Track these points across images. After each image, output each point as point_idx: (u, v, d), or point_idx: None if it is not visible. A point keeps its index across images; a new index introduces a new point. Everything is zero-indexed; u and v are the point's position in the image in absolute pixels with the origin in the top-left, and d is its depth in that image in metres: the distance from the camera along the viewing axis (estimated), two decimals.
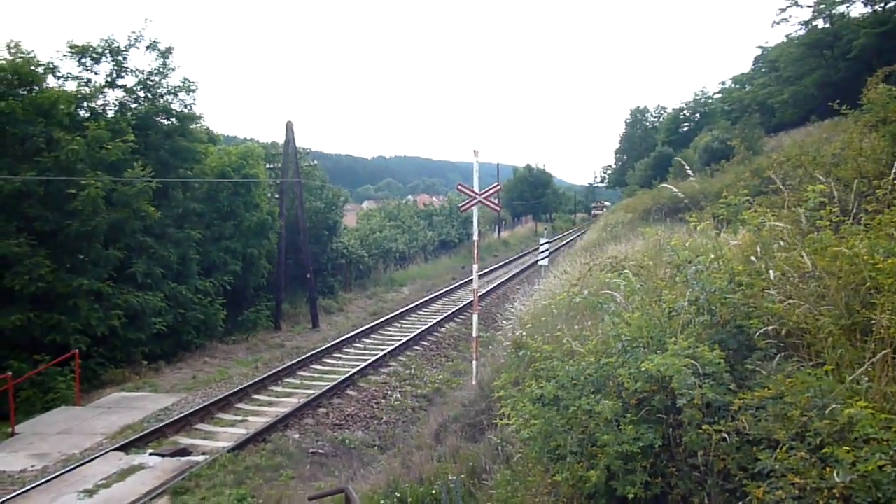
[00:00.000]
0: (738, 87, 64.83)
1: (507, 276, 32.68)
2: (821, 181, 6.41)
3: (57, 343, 15.50)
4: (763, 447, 3.53)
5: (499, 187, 19.25)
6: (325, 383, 14.94)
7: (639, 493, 3.92)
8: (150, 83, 20.46)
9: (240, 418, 13.10)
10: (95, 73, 19.64)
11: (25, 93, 16.97)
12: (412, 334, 19.79)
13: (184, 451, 11.24)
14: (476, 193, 13.38)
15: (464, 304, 24.52)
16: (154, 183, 18.11)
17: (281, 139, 25.01)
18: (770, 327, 4.37)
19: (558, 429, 4.54)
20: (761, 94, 53.43)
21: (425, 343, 19.50)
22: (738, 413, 3.77)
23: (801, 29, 49.89)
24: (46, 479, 10.04)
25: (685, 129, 62.52)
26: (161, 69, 20.57)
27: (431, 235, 44.06)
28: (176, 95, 20.94)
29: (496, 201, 15.75)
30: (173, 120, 21.09)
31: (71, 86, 18.97)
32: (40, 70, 17.54)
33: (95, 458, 10.89)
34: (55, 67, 18.50)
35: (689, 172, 9.39)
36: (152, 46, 20.27)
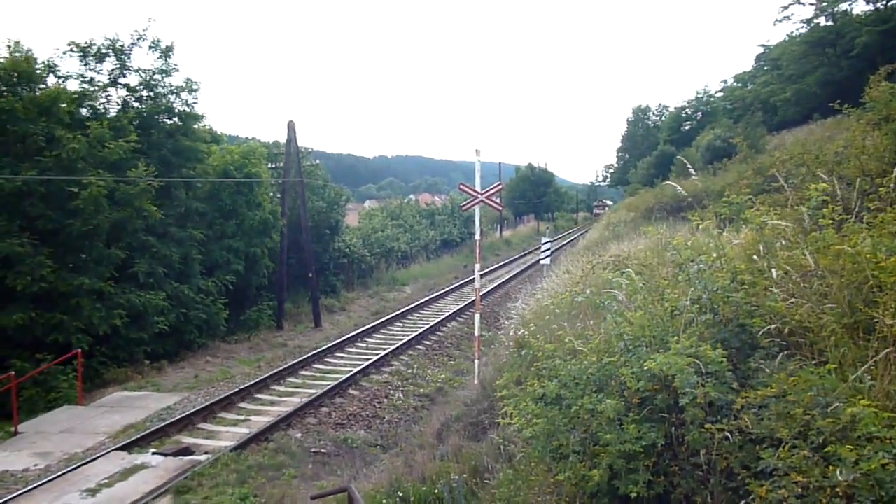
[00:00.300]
0: (740, 85, 64.72)
1: (510, 276, 32.68)
2: (823, 179, 6.41)
3: (59, 342, 15.52)
4: (766, 446, 3.53)
5: (501, 186, 19.25)
6: (328, 382, 14.94)
7: (641, 492, 3.92)
8: (153, 82, 20.50)
9: (242, 417, 13.11)
10: (98, 73, 19.72)
11: (27, 91, 16.98)
12: (414, 333, 19.79)
13: (186, 451, 11.25)
14: (478, 193, 13.38)
15: (466, 303, 24.52)
16: (157, 182, 18.12)
17: (283, 139, 25.05)
18: (773, 326, 4.37)
19: (561, 428, 4.54)
20: (763, 92, 53.34)
21: (427, 342, 19.49)
22: (740, 412, 3.77)
23: (803, 27, 49.85)
24: (49, 478, 10.04)
25: (687, 127, 62.36)
26: (164, 68, 20.61)
27: (433, 235, 44.06)
28: (178, 95, 20.95)
29: (498, 200, 15.76)
30: (175, 119, 21.12)
31: (73, 84, 19.05)
32: (39, 68, 17.49)
33: (98, 457, 10.90)
34: (54, 66, 18.50)
35: (692, 171, 9.41)
36: (155, 46, 20.30)
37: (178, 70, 20.89)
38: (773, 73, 55.38)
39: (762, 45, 64.39)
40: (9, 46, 16.88)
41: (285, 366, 16.45)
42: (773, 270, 4.94)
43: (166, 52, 20.53)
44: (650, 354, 4.26)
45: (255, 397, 14.36)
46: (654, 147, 61.08)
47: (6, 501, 9.24)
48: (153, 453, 11.11)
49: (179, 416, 12.72)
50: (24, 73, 16.83)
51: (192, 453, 11.17)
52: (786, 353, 4.22)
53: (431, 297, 27.50)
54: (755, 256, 5.41)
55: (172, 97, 20.88)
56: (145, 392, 15.38)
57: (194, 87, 21.14)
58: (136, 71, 20.24)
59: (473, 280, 15.92)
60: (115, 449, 11.21)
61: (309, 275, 23.74)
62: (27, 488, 9.69)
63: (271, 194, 24.87)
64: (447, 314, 22.73)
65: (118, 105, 20.17)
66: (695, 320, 4.80)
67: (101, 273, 16.68)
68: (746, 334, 4.54)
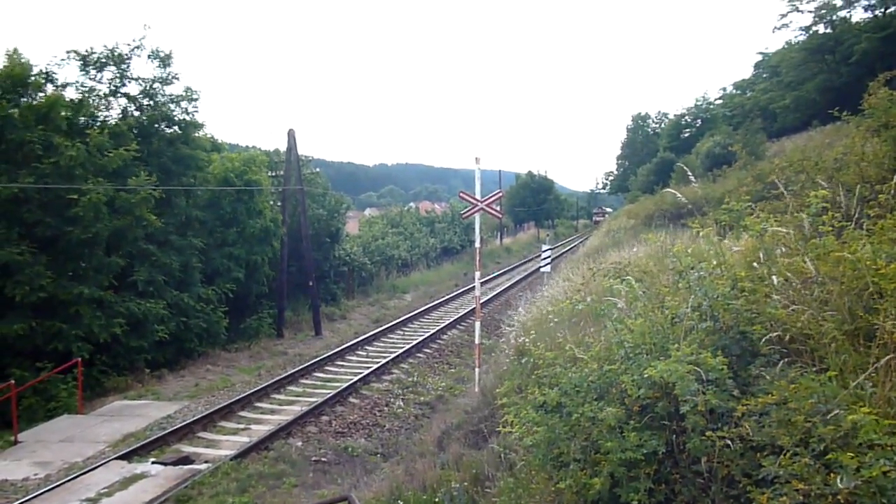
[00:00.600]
0: (739, 92, 64.83)
1: (510, 283, 32.68)
2: (823, 186, 6.42)
3: (59, 351, 15.50)
4: (767, 453, 3.52)
5: (500, 194, 19.28)
6: (328, 391, 14.92)
7: (642, 499, 3.91)
8: (153, 91, 20.53)
9: (242, 426, 13.09)
10: (99, 82, 19.75)
11: (26, 100, 17.01)
12: (415, 341, 19.77)
13: (186, 460, 11.22)
14: (478, 200, 13.40)
15: (466, 310, 24.51)
16: (157, 191, 18.13)
17: (283, 147, 25.09)
18: (773, 333, 4.37)
19: (561, 436, 4.53)
20: (763, 99, 53.45)
21: (428, 350, 19.48)
22: (741, 419, 3.76)
23: (801, 34, 49.94)
24: (49, 487, 10.03)
25: (687, 134, 62.43)
26: (163, 76, 20.65)
27: (434, 242, 44.08)
28: (178, 104, 20.98)
29: (498, 208, 15.76)
30: (175, 128, 21.13)
31: (70, 92, 19.06)
32: (35, 75, 17.49)
33: (98, 466, 10.87)
34: (50, 73, 18.44)
35: (691, 178, 9.40)
36: (154, 55, 20.36)
37: (177, 79, 20.94)
38: (773, 80, 55.49)
39: (761, 53, 64.53)
40: (7, 54, 16.93)
41: (285, 374, 16.43)
42: (774, 277, 4.94)
43: (165, 61, 20.58)
44: (651, 362, 4.25)
45: (256, 406, 14.34)
46: (654, 154, 61.09)
47: None
48: (153, 462, 11.09)
49: (179, 425, 12.70)
50: (19, 79, 16.80)
51: (192, 462, 11.15)
52: (786, 360, 4.21)
53: (432, 304, 27.49)
54: (755, 263, 5.41)
55: (172, 106, 20.91)
56: (145, 400, 15.36)
57: (194, 95, 21.19)
58: (136, 80, 20.30)
59: (474, 288, 15.92)
60: (115, 458, 11.19)
61: (309, 283, 23.73)
62: (27, 498, 9.67)
63: (272, 202, 24.89)
64: (447, 322, 22.72)
65: (119, 113, 20.21)
66: (695, 327, 4.79)
67: (100, 281, 16.67)
68: (747, 341, 4.54)
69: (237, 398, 14.31)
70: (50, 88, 18.26)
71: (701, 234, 6.10)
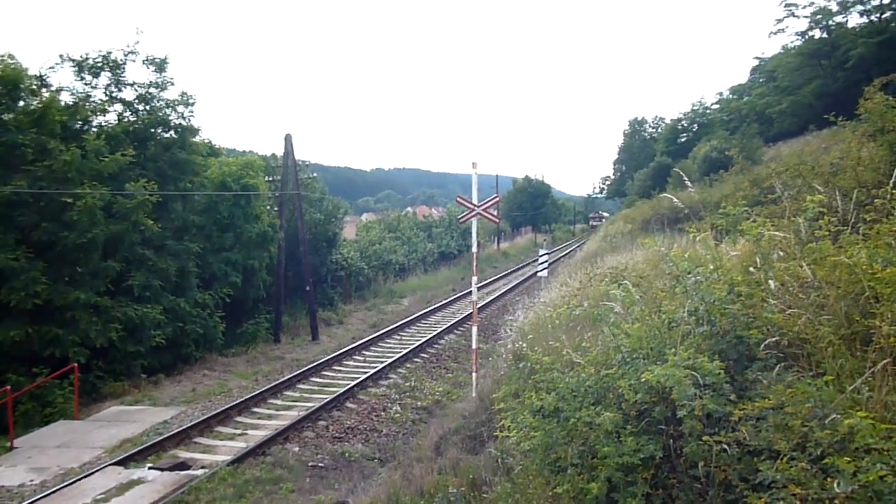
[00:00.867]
0: (735, 97, 65.14)
1: (507, 288, 32.65)
2: (819, 191, 6.43)
3: (55, 356, 15.45)
4: (764, 458, 3.52)
5: (498, 199, 19.29)
6: (325, 396, 14.88)
7: None
8: (149, 96, 20.52)
9: (239, 431, 13.04)
10: (95, 87, 19.73)
11: (22, 104, 16.98)
12: (412, 346, 19.73)
13: (183, 465, 11.18)
14: (475, 205, 13.40)
15: (463, 315, 24.46)
16: (154, 197, 18.10)
17: (280, 152, 25.10)
18: (770, 338, 4.37)
19: (559, 441, 4.53)
20: (759, 104, 53.68)
21: (425, 355, 19.44)
22: (738, 424, 3.77)
23: (798, 39, 50.29)
24: (45, 493, 9.98)
25: (683, 139, 62.73)
26: (158, 82, 20.63)
27: (431, 247, 44.09)
28: (174, 108, 20.96)
29: (495, 213, 15.78)
30: (172, 133, 21.11)
31: (65, 96, 19.03)
32: (28, 79, 17.45)
33: (94, 472, 10.83)
34: (44, 77, 18.41)
35: (688, 183, 9.44)
36: (149, 60, 20.36)
37: (173, 84, 20.90)
38: (769, 84, 55.78)
39: (757, 58, 64.90)
40: (1, 59, 16.89)
41: (283, 379, 16.38)
42: (770, 282, 4.94)
43: (160, 66, 20.57)
44: (648, 366, 4.25)
45: (253, 411, 14.29)
46: (651, 159, 61.34)
47: None
48: (150, 468, 11.03)
49: (176, 431, 12.65)
50: (13, 83, 16.74)
51: (188, 468, 11.10)
52: (783, 364, 4.21)
53: (429, 309, 27.44)
54: (752, 268, 5.41)
55: (168, 110, 20.88)
56: (142, 406, 15.31)
57: (190, 100, 21.16)
58: (131, 85, 20.28)
59: (471, 292, 15.91)
60: (112, 464, 11.14)
61: (306, 287, 23.71)
62: None
63: (269, 207, 24.88)
64: (445, 327, 22.68)
65: (115, 118, 20.20)
66: (692, 332, 4.80)
67: (96, 286, 16.62)
68: (744, 346, 4.54)
69: (234, 403, 14.26)
70: (44, 93, 18.25)
71: (698, 238, 6.11)
